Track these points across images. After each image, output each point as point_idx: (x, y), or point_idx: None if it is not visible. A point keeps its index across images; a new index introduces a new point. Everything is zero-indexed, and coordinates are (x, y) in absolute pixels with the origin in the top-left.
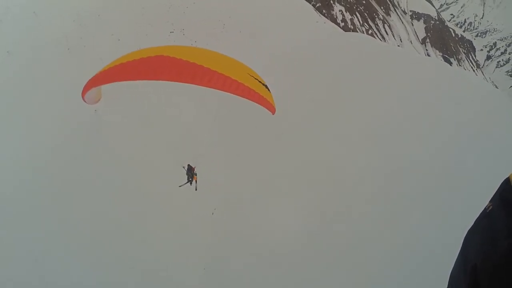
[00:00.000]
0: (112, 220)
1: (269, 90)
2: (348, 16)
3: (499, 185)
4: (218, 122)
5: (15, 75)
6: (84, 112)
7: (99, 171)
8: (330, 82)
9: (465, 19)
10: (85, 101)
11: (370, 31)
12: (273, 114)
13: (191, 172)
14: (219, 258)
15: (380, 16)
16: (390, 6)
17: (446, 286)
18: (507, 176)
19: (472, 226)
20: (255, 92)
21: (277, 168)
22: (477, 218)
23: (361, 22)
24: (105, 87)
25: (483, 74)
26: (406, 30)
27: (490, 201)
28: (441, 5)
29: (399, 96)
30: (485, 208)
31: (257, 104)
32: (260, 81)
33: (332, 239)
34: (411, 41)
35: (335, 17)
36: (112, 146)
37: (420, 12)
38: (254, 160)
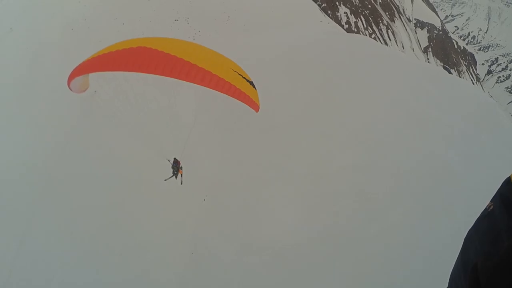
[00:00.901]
0: (105, 214)
1: (254, 87)
2: (352, 18)
3: (498, 186)
4: (211, 117)
5: (18, 52)
6: (85, 97)
7: (87, 162)
8: (329, 80)
9: (469, 32)
10: (71, 90)
11: (373, 35)
12: (256, 112)
13: (176, 166)
14: (206, 247)
15: (385, 22)
16: (395, 12)
17: (446, 286)
18: (507, 176)
19: (472, 226)
20: (235, 88)
21: (273, 163)
22: (478, 218)
23: (365, 25)
24: (96, 80)
25: (483, 88)
26: (409, 37)
27: (491, 201)
28: (446, 16)
29: (398, 98)
30: (485, 208)
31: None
32: (244, 77)
33: (326, 236)
34: (413, 49)
35: (339, 18)
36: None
37: (425, 21)
38: (251, 156)
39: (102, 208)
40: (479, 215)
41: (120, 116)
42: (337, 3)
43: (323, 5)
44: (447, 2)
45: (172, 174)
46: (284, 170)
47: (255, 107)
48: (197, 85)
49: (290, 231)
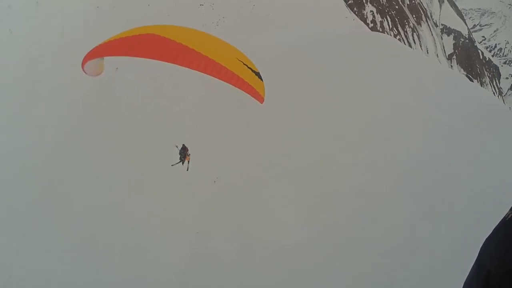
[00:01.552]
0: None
1: (260, 78)
2: (378, 18)
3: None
4: (212, 116)
5: (18, 52)
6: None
7: (87, 162)
8: (347, 76)
9: (495, 44)
10: (85, 72)
11: (398, 37)
12: (261, 103)
13: (184, 152)
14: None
15: (411, 24)
16: (423, 16)
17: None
18: None
19: (490, 234)
20: (238, 78)
21: (273, 163)
22: (496, 225)
23: (390, 26)
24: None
25: (504, 103)
26: (435, 42)
27: (510, 209)
28: (474, 25)
29: (400, 98)
30: (504, 217)
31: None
32: (249, 67)
33: (326, 236)
34: (437, 55)
35: (365, 16)
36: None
37: (452, 27)
38: (251, 156)
39: (102, 208)
40: (498, 223)
41: (121, 115)
42: (364, 0)
43: (350, 2)
44: (476, 11)
45: (179, 160)
46: (284, 170)
47: (259, 98)
48: (202, 73)
49: (290, 231)
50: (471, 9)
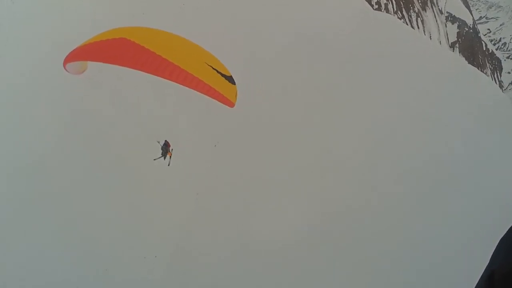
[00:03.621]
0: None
1: (232, 82)
2: (383, 0)
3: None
4: (211, 115)
5: (18, 52)
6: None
7: (87, 161)
8: (349, 59)
9: (500, 38)
10: (67, 71)
11: (402, 20)
12: (231, 107)
13: (166, 148)
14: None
15: (416, 9)
16: (428, 2)
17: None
18: None
19: (502, 236)
20: (204, 84)
21: (273, 163)
22: (509, 228)
23: (394, 9)
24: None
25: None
26: (438, 29)
27: None
28: (480, 17)
29: (401, 96)
30: None
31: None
32: (219, 72)
33: (326, 236)
34: (440, 41)
35: None
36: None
37: (457, 16)
38: (251, 156)
39: (102, 208)
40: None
41: (116, 116)
42: None
43: None
44: (483, 3)
45: (161, 155)
46: (285, 170)
47: (228, 103)
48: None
49: (290, 231)
50: (479, 0)
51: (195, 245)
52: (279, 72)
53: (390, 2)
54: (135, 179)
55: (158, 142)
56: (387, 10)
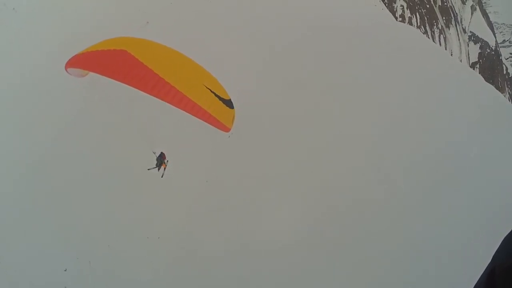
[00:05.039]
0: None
1: (230, 105)
2: (407, 13)
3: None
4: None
5: (19, 52)
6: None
7: (86, 162)
8: (350, 57)
9: None
10: (69, 74)
11: (424, 36)
12: (226, 132)
13: (161, 159)
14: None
15: (439, 26)
16: (452, 19)
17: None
18: None
19: (506, 235)
20: (199, 109)
21: (273, 163)
22: None
23: (418, 23)
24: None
25: None
26: (460, 48)
27: None
28: (504, 41)
29: (402, 97)
30: None
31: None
32: (217, 95)
33: (327, 236)
34: (461, 60)
35: (394, 10)
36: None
37: (480, 36)
38: (251, 156)
39: (102, 208)
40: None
41: (116, 116)
42: None
43: None
44: (508, 27)
45: (155, 166)
46: (285, 170)
47: (224, 128)
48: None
49: (290, 231)
50: (504, 24)
51: (195, 245)
52: (279, 72)
53: (414, 16)
54: (135, 179)
55: (154, 153)
56: (410, 24)
